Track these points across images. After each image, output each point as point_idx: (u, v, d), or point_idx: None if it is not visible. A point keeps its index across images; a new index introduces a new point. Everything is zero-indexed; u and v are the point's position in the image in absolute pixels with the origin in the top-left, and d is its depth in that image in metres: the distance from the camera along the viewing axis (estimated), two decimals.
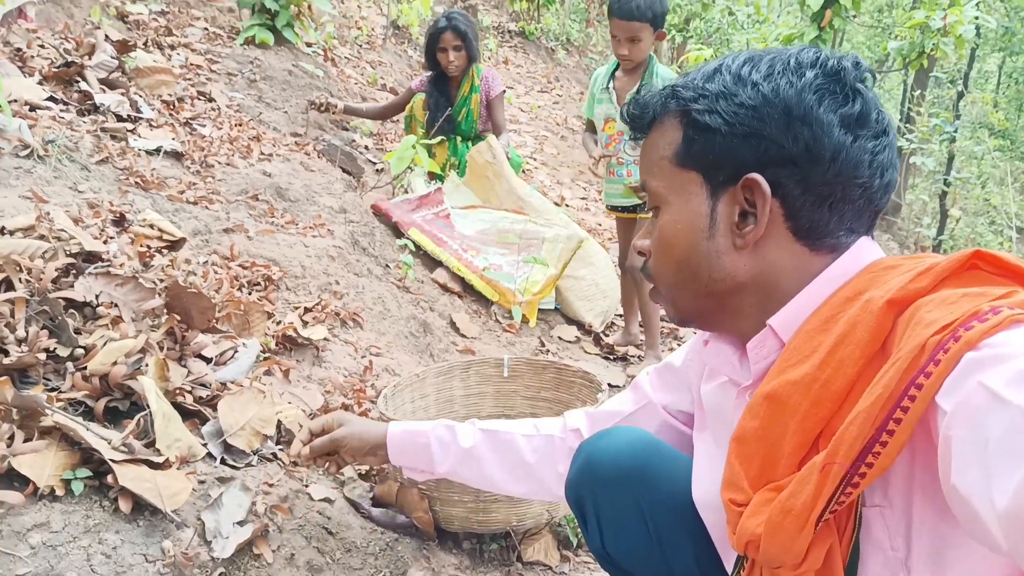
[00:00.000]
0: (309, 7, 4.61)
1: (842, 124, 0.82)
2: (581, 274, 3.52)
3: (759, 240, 0.85)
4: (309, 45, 4.89)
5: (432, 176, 3.87)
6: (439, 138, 3.94)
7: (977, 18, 4.64)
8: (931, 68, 9.11)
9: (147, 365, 1.51)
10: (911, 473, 0.72)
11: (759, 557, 0.79)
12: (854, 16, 4.92)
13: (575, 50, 11.49)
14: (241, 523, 1.41)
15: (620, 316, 3.86)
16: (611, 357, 3.37)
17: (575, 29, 11.61)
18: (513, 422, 1.34)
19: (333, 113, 4.08)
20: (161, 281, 1.77)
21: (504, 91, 4.23)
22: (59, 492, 1.27)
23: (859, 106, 0.83)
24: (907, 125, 9.17)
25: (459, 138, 4.12)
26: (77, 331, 1.52)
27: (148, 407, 1.45)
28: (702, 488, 1.02)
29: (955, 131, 7.54)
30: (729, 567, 0.98)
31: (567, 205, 5.45)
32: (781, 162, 0.82)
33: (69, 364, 1.47)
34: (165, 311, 1.67)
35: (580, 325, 3.52)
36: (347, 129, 4.39)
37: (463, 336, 2.96)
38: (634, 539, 1.12)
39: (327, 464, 1.44)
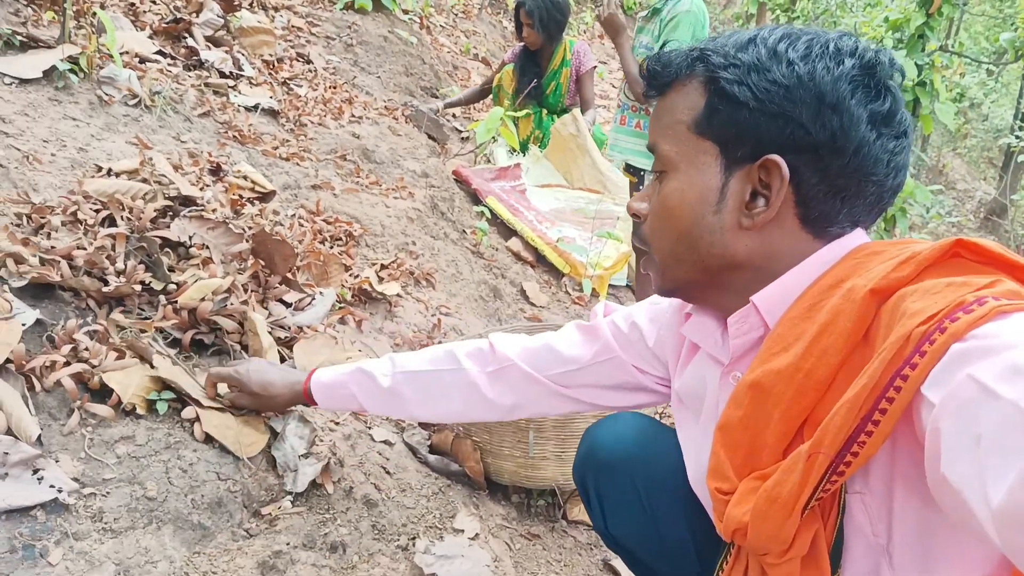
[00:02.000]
0: None
1: (870, 120, 0.81)
2: None
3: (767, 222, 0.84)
4: (406, 12, 5.00)
5: (514, 150, 3.94)
6: (525, 111, 4.00)
7: None
8: None
9: (234, 303, 1.63)
10: (892, 462, 0.73)
11: (746, 544, 0.80)
12: (965, 3, 4.70)
13: None
14: (305, 455, 1.52)
15: None
16: None
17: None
18: (434, 354, 1.32)
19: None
20: (249, 228, 1.89)
21: (595, 67, 4.25)
22: (142, 412, 1.40)
23: (888, 104, 0.82)
24: (1020, 123, 8.71)
25: (545, 111, 4.16)
26: (171, 268, 1.65)
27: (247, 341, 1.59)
28: (690, 470, 1.03)
29: None
30: None
31: None
32: (804, 148, 0.81)
33: (162, 297, 1.61)
34: (251, 255, 1.79)
35: None
36: (436, 96, 4.49)
37: (532, 304, 3.03)
38: (633, 520, 1.15)
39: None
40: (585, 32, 8.78)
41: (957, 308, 0.65)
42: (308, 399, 1.39)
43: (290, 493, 1.47)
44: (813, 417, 0.75)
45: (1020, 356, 0.58)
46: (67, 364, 1.38)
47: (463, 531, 1.59)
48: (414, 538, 1.52)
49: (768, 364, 0.78)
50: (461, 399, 1.28)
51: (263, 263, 1.80)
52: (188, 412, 1.43)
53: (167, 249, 1.68)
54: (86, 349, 1.42)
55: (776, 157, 0.81)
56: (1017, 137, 7.31)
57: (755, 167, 0.83)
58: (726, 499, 0.81)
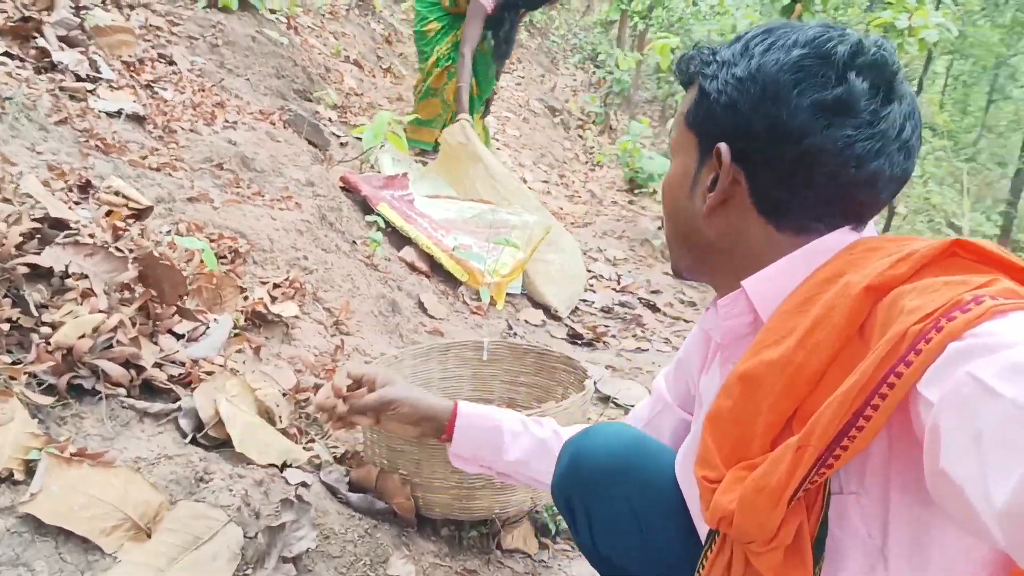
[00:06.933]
0: None
1: (814, 108, 0.81)
2: (551, 259, 3.49)
3: (725, 208, 0.89)
4: (273, 12, 4.73)
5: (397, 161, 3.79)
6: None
7: (940, 24, 4.67)
8: None
9: (122, 340, 1.43)
10: (888, 462, 0.73)
11: (731, 532, 0.80)
12: (821, 11, 4.96)
13: (537, 32, 11.42)
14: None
15: (584, 302, 3.86)
16: (578, 342, 3.35)
17: (538, 11, 11.52)
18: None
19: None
20: (131, 251, 1.68)
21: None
22: (21, 477, 1.19)
23: (840, 92, 0.81)
24: None
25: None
26: (44, 305, 1.43)
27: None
28: (678, 463, 1.06)
29: None
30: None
31: (529, 188, 5.42)
32: (747, 136, 0.85)
33: (34, 336, 1.39)
34: (139, 283, 1.59)
35: (546, 310, 3.50)
36: (310, 100, 4.27)
37: (431, 317, 2.91)
38: (625, 535, 1.12)
39: (366, 421, 1.31)
40: None
41: (954, 307, 0.65)
42: (450, 424, 1.30)
43: None
44: (802, 411, 0.75)
45: (1018, 354, 0.58)
46: None
47: None
48: None
49: (759, 356, 0.79)
50: None
51: (153, 292, 1.60)
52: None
53: (39, 281, 1.45)
54: None
55: (721, 145, 0.86)
56: None
57: (713, 155, 0.88)
58: (713, 487, 0.82)
